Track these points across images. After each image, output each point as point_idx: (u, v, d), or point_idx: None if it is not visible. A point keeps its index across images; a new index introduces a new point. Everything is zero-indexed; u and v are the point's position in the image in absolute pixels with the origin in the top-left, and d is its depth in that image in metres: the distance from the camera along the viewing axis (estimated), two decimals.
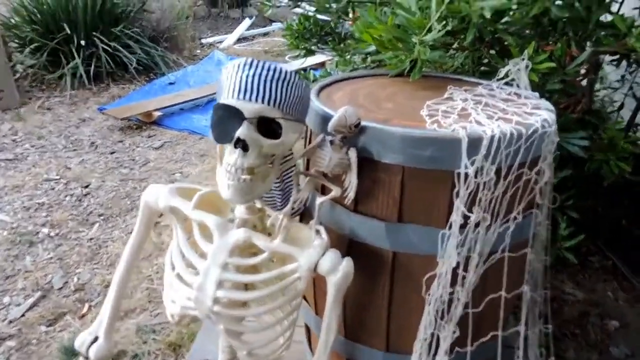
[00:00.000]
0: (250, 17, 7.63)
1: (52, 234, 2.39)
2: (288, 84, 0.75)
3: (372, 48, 1.31)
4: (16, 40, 4.39)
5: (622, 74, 2.41)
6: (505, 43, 1.42)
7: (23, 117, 3.67)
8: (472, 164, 0.80)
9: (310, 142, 0.96)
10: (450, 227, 0.85)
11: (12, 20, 4.38)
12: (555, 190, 1.80)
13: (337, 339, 1.07)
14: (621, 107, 2.28)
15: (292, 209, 0.92)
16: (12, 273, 2.12)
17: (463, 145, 0.79)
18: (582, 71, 1.59)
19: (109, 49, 4.32)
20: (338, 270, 0.84)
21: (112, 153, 3.26)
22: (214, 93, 3.84)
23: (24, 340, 1.80)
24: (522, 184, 0.87)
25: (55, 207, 2.61)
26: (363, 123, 0.84)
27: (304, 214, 1.02)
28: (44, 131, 3.49)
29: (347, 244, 0.93)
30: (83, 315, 1.92)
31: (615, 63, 2.07)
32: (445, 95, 1.05)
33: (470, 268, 0.88)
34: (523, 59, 1.15)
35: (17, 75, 4.21)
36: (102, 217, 2.55)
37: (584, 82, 1.69)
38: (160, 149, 3.32)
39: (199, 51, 5.82)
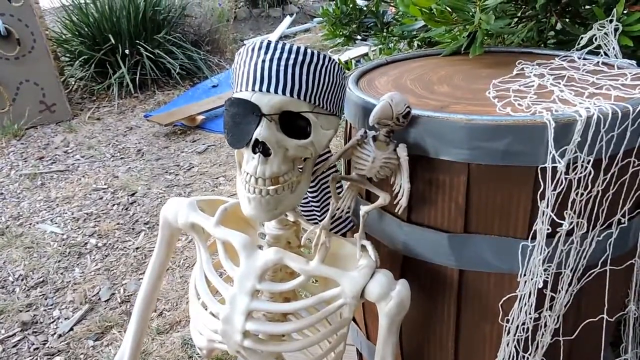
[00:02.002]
0: (291, 15, 7.56)
1: (99, 244, 2.38)
2: (316, 69, 0.60)
3: (420, 24, 1.13)
4: (67, 55, 4.53)
5: None
6: (580, 10, 1.19)
7: (74, 129, 3.75)
8: (563, 156, 0.61)
9: (349, 139, 0.79)
10: (533, 238, 0.66)
11: (63, 36, 4.53)
12: None
13: None
14: None
15: (333, 220, 0.77)
16: (61, 285, 2.12)
17: (549, 132, 0.60)
18: None
19: (152, 56, 4.36)
20: (391, 297, 0.68)
21: (157, 160, 3.25)
22: None
23: (72, 356, 1.76)
24: (629, 177, 0.67)
25: (103, 216, 2.61)
26: (414, 112, 0.67)
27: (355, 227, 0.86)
28: (94, 141, 3.55)
29: (401, 262, 0.77)
30: None
31: None
32: (515, 72, 0.85)
33: (561, 287, 0.69)
34: (611, 21, 0.93)
35: (70, 87, 4.34)
36: (147, 226, 2.52)
37: None
38: (204, 153, 3.27)
39: None
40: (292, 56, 0.59)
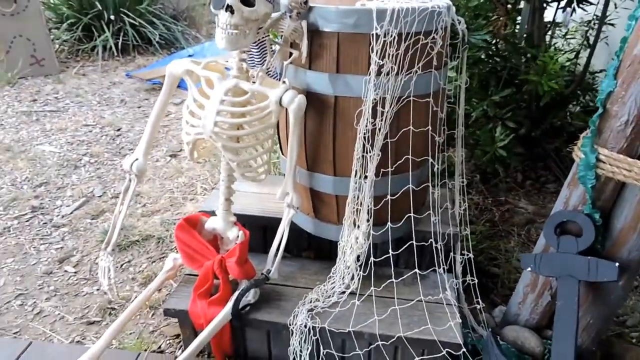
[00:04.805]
0: None
1: (92, 161, 2.89)
2: None
3: None
4: (54, 18, 4.93)
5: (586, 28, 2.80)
6: None
7: (62, 81, 4.20)
8: (381, 28, 1.23)
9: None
10: (369, 74, 1.28)
11: (51, 1, 4.93)
12: (497, 105, 2.22)
13: (301, 172, 1.51)
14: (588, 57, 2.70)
15: (267, 69, 1.37)
16: (62, 185, 2.62)
17: (373, 15, 1.22)
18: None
19: (135, 24, 4.82)
20: (294, 102, 1.28)
21: (139, 107, 3.75)
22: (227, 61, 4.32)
23: (74, 227, 2.29)
24: (419, 47, 1.29)
25: (94, 143, 3.11)
26: (310, 4, 1.28)
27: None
28: (81, 91, 4.01)
29: (305, 95, 1.37)
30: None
31: (561, 7, 2.47)
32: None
33: (386, 105, 1.31)
34: None
35: (55, 48, 4.75)
36: (132, 151, 3.03)
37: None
38: (179, 105, 3.79)
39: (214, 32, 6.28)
40: None
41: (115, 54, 4.73)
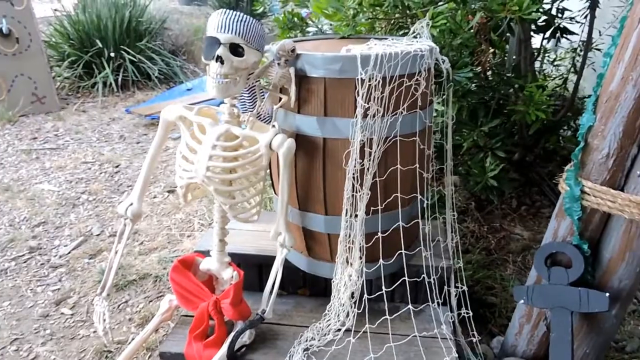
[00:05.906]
0: None
1: (90, 199, 2.92)
2: (248, 24, 1.24)
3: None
4: (55, 56, 5.05)
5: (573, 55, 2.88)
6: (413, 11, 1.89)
7: (62, 118, 4.27)
8: (366, 72, 1.27)
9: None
10: (356, 117, 1.31)
11: (53, 38, 5.05)
12: (487, 135, 2.26)
13: (293, 212, 1.53)
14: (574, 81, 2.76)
15: (258, 114, 1.41)
16: (60, 225, 2.64)
17: (358, 60, 1.27)
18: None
19: (134, 60, 4.92)
20: (283, 145, 1.31)
21: (137, 143, 3.81)
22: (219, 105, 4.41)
23: (71, 268, 2.30)
24: (404, 89, 1.34)
25: (92, 180, 3.15)
26: (298, 51, 1.33)
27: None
28: (81, 128, 4.08)
29: (295, 138, 1.40)
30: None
31: (546, 38, 2.54)
32: (365, 43, 1.52)
33: (373, 146, 1.34)
34: (426, 19, 1.62)
35: (56, 85, 4.84)
36: (130, 188, 3.07)
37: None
38: (177, 140, 3.84)
39: None
40: (237, 17, 1.22)
41: (115, 90, 4.83)
